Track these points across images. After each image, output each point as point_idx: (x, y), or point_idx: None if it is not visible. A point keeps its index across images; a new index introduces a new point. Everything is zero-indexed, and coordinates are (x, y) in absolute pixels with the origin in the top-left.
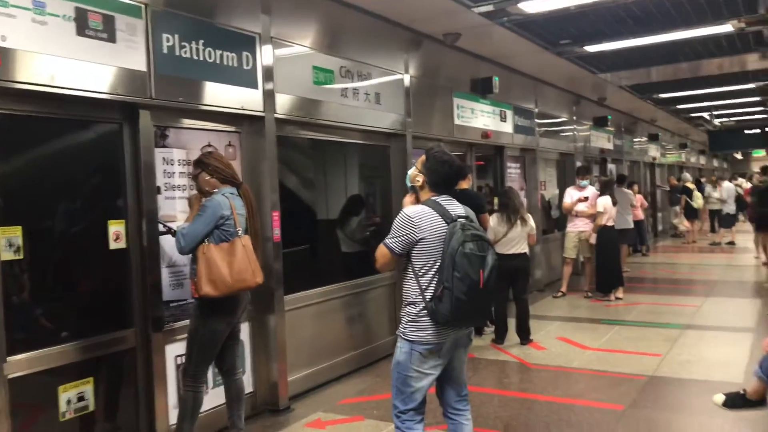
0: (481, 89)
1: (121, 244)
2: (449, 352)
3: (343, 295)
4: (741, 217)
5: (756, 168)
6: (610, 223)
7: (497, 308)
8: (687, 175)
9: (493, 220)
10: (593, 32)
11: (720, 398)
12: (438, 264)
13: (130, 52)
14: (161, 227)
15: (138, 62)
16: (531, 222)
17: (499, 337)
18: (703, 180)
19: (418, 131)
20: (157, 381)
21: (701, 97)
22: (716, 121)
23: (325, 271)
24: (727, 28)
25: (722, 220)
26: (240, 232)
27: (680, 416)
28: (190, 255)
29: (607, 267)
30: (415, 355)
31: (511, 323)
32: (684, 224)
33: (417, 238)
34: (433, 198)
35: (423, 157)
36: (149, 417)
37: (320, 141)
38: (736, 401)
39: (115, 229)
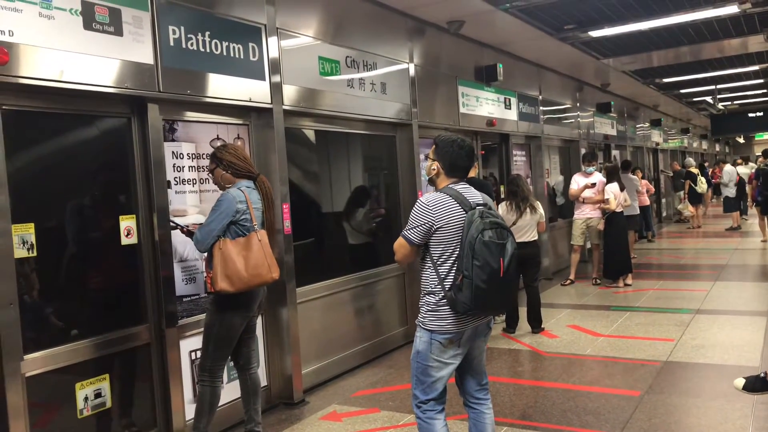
0: (485, 77)
1: (133, 240)
2: (469, 341)
3: (353, 286)
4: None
5: (758, 151)
6: (619, 210)
7: None
8: (690, 160)
9: (501, 209)
10: (597, 17)
11: (740, 382)
12: (457, 252)
13: (137, 45)
14: (172, 224)
15: (145, 55)
16: (540, 209)
17: (511, 326)
18: (706, 164)
19: (423, 120)
20: (172, 376)
21: (704, 80)
22: (719, 105)
23: (334, 263)
24: (732, 9)
25: (725, 205)
26: (256, 226)
27: (699, 401)
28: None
29: (616, 253)
30: (435, 344)
31: (522, 312)
32: (689, 209)
33: (435, 227)
34: (450, 185)
35: (433, 146)
36: (166, 413)
37: (327, 132)
38: (756, 385)
39: (127, 224)
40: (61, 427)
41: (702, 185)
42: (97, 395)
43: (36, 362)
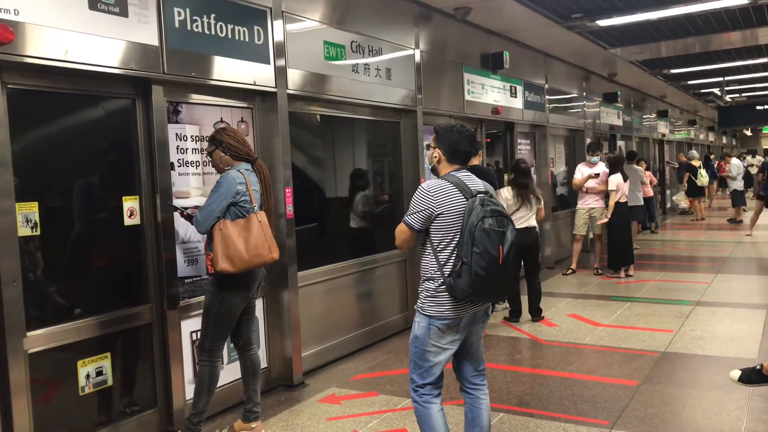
0: (491, 64)
1: (136, 221)
2: (467, 327)
3: (355, 271)
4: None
5: (765, 144)
6: (622, 200)
7: None
8: (694, 152)
9: (506, 193)
10: (605, 6)
11: (736, 374)
12: (456, 239)
13: (142, 27)
14: (173, 207)
15: (150, 37)
16: (540, 196)
17: (515, 316)
18: (712, 156)
19: (428, 107)
20: (173, 356)
21: (712, 72)
22: (727, 97)
23: (336, 248)
24: (741, 0)
25: (733, 198)
26: (256, 207)
27: (695, 391)
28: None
29: (619, 244)
30: (433, 329)
31: (522, 301)
32: (685, 201)
33: (436, 213)
34: (452, 172)
35: (434, 134)
36: (166, 392)
37: (331, 117)
38: (752, 376)
39: (130, 205)
40: (63, 404)
41: (702, 178)
42: (99, 373)
43: (39, 339)
